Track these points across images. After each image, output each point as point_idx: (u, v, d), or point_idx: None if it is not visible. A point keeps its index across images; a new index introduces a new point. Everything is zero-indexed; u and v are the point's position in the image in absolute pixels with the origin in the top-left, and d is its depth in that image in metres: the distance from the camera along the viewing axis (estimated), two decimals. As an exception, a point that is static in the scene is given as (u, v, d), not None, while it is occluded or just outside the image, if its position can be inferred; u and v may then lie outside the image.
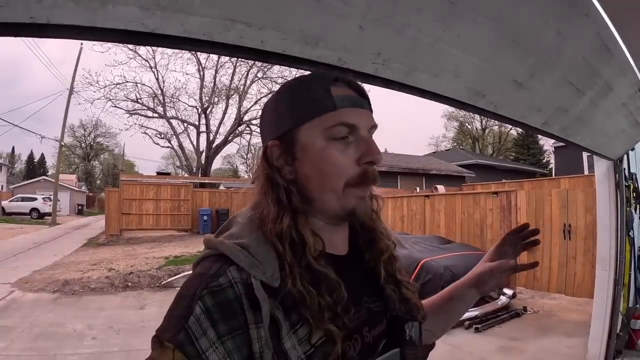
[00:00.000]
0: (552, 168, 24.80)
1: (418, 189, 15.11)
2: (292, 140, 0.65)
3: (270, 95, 0.73)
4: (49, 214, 23.95)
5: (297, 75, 0.69)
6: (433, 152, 34.78)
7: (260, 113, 0.74)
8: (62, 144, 25.60)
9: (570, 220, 6.37)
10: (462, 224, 8.18)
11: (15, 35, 0.71)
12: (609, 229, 2.69)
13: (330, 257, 0.65)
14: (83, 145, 49.59)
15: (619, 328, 2.65)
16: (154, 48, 18.05)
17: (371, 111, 0.69)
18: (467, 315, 5.02)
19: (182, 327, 0.54)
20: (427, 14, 0.89)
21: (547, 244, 6.60)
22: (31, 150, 57.33)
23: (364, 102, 0.67)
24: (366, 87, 0.77)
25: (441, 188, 12.89)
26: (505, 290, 6.01)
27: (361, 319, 0.66)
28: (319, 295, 0.59)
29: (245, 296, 0.56)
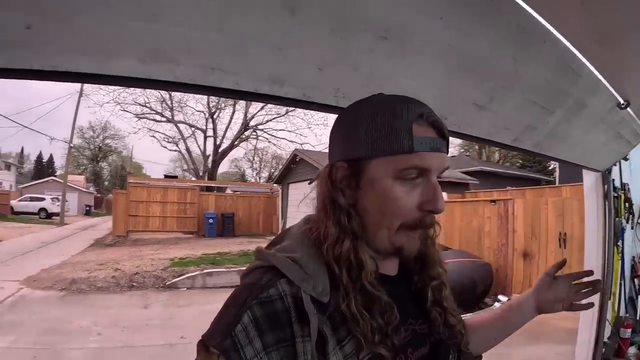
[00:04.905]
0: (557, 176, 24.57)
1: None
2: (360, 169, 0.63)
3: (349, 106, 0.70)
4: (57, 214, 24.16)
5: (383, 95, 0.67)
6: (438, 159, 34.46)
7: (332, 122, 0.71)
8: (71, 145, 26.03)
9: (565, 229, 6.46)
10: (461, 232, 8.29)
11: (36, 79, 0.87)
12: (596, 240, 2.68)
13: (383, 277, 0.65)
14: (92, 146, 49.84)
15: (607, 336, 2.68)
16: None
17: (447, 152, 0.66)
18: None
19: (229, 334, 0.54)
20: (379, 53, 1.02)
21: (542, 253, 6.72)
22: (40, 151, 58.08)
23: (442, 144, 0.65)
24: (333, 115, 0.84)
25: (444, 195, 12.92)
26: (500, 297, 6.13)
27: (407, 339, 0.66)
28: (372, 317, 0.59)
29: (294, 309, 0.57)
